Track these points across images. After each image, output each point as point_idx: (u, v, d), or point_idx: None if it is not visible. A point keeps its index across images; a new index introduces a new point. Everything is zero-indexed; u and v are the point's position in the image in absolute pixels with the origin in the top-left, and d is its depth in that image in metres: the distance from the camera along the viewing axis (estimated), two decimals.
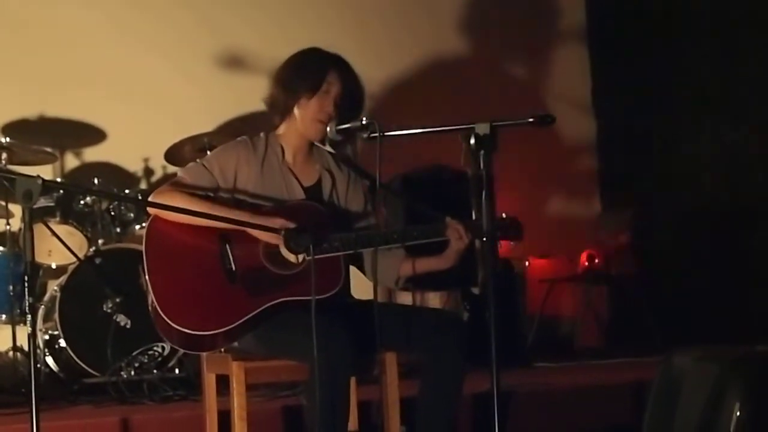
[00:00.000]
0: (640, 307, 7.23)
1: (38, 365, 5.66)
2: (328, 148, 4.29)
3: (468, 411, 4.83)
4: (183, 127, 6.20)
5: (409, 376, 4.33)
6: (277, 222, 3.92)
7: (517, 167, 7.02)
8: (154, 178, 6.83)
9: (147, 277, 3.98)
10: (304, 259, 4.01)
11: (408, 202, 6.00)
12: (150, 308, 4.00)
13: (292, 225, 3.89)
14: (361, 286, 4.31)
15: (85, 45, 6.80)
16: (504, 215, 4.22)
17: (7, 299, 5.79)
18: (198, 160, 4.19)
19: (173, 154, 6.19)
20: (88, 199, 6.11)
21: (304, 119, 4.16)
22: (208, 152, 5.77)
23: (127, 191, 6.24)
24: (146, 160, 6.83)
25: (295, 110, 4.17)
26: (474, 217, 4.22)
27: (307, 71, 4.16)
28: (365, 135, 3.97)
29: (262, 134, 4.23)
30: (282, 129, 4.23)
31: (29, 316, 3.60)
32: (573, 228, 7.79)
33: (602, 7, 8.20)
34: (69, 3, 6.83)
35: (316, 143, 4.26)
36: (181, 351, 5.48)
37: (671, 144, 7.74)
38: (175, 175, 4.20)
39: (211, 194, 4.10)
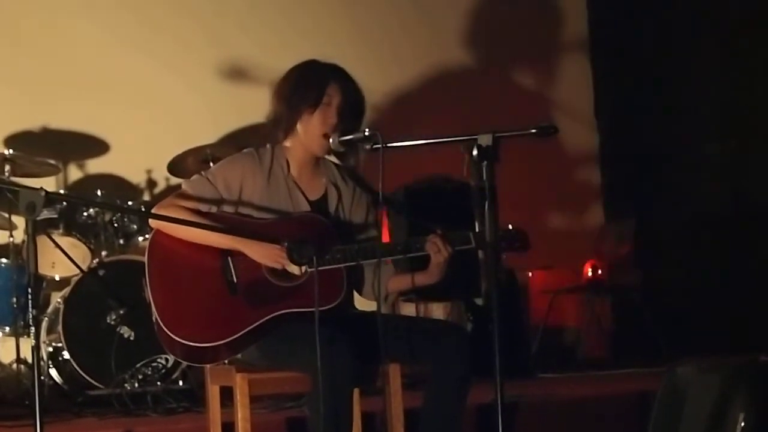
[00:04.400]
0: (643, 317, 7.23)
1: (42, 377, 5.67)
2: (333, 158, 4.29)
3: (472, 422, 4.82)
4: (186, 138, 6.21)
5: (412, 387, 4.33)
6: (279, 235, 3.92)
7: (519, 178, 7.02)
8: (157, 190, 6.83)
9: (149, 291, 3.99)
10: (306, 270, 4.01)
11: (409, 216, 6.01)
12: (153, 322, 4.01)
13: (291, 239, 3.89)
14: (364, 299, 4.31)
15: (88, 56, 6.82)
16: (510, 226, 4.21)
17: (10, 311, 5.80)
18: (202, 173, 4.19)
19: (176, 166, 6.20)
20: (91, 210, 6.12)
21: (308, 134, 4.15)
22: (211, 163, 5.78)
23: (130, 203, 6.25)
24: (149, 171, 6.84)
25: (299, 126, 4.17)
26: (477, 228, 4.21)
27: (306, 86, 4.15)
28: (368, 146, 3.97)
29: (268, 145, 4.23)
30: (288, 142, 4.22)
31: (33, 328, 3.61)
32: (576, 239, 7.78)
33: (605, 19, 8.21)
34: (72, 15, 6.84)
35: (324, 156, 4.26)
36: (185, 363, 5.49)
37: (673, 154, 7.75)
38: (178, 186, 4.21)
39: (215, 209, 4.09)
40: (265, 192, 4.14)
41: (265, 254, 4.00)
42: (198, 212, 4.07)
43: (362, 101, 4.19)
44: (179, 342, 3.96)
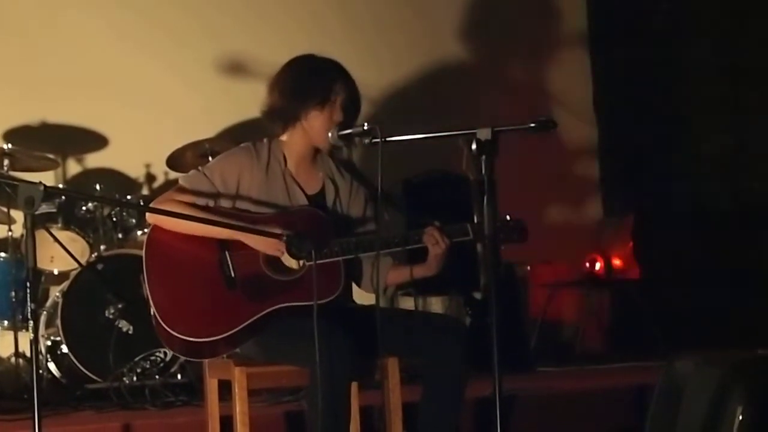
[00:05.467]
0: (641, 311, 7.23)
1: (40, 371, 5.66)
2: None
3: (470, 416, 4.84)
4: (185, 132, 6.20)
5: (411, 381, 4.34)
6: (277, 229, 3.92)
7: (518, 173, 7.02)
8: (155, 184, 6.83)
9: (147, 287, 3.99)
10: (304, 264, 4.02)
11: (407, 211, 6.01)
12: (152, 318, 4.02)
13: (290, 232, 3.90)
14: (363, 291, 4.31)
15: (87, 51, 6.81)
16: (508, 217, 4.21)
17: (9, 305, 5.80)
18: (199, 168, 4.19)
19: (175, 160, 6.19)
20: (90, 205, 6.11)
21: (316, 130, 4.15)
22: (210, 158, 5.79)
23: (128, 197, 6.25)
24: (148, 166, 6.83)
25: (303, 121, 4.17)
26: (476, 221, 4.21)
27: (314, 82, 4.15)
28: (367, 141, 3.97)
29: (265, 140, 4.23)
30: (285, 136, 4.23)
31: (31, 322, 3.61)
32: (575, 233, 7.78)
33: (603, 12, 8.20)
34: (71, 9, 6.83)
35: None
36: (184, 357, 5.50)
37: (672, 148, 7.74)
38: (177, 181, 4.21)
39: (212, 203, 4.10)
40: (263, 186, 4.14)
41: (264, 242, 4.00)
42: (195, 207, 4.07)
43: (360, 99, 4.22)
44: (177, 337, 3.96)
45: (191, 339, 3.97)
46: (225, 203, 4.12)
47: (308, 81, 4.17)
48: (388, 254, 4.21)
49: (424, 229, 4.14)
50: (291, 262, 4.03)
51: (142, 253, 4.07)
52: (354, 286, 4.30)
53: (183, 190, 4.11)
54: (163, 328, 3.97)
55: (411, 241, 4.15)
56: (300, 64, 4.24)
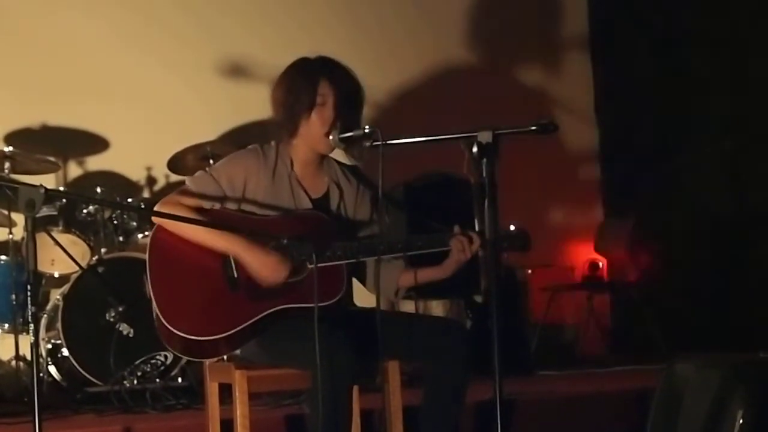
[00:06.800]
0: (642, 314, 7.23)
1: (41, 374, 5.68)
2: (340, 154, 4.28)
3: (471, 419, 4.83)
4: (186, 135, 6.20)
5: (412, 384, 4.33)
6: (280, 232, 3.92)
7: (519, 175, 7.02)
8: (156, 187, 6.83)
9: (149, 284, 3.99)
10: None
11: (410, 213, 6.01)
12: (153, 317, 4.01)
13: (289, 236, 3.90)
14: (364, 294, 4.31)
15: (88, 54, 6.82)
16: (512, 226, 4.21)
17: (9, 308, 5.79)
18: (207, 169, 4.18)
19: (176, 163, 6.19)
20: (90, 208, 6.11)
21: (311, 136, 4.13)
22: (211, 161, 5.78)
23: (129, 200, 6.25)
24: (149, 168, 6.84)
25: (301, 128, 4.16)
26: (477, 225, 4.20)
27: (298, 90, 4.12)
28: (368, 143, 3.96)
29: (273, 143, 4.22)
30: (292, 141, 4.22)
31: (32, 325, 3.60)
32: (576, 236, 7.79)
33: (605, 16, 8.21)
34: (72, 12, 6.84)
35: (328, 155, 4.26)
36: (184, 360, 5.50)
37: (673, 152, 7.75)
38: (178, 184, 4.21)
39: (217, 206, 4.10)
40: (269, 189, 4.14)
41: (262, 268, 3.99)
42: (201, 209, 4.07)
43: (357, 88, 4.16)
44: (178, 335, 3.96)
45: (191, 337, 3.96)
46: (231, 205, 4.11)
47: (293, 89, 4.14)
48: (401, 257, 4.21)
49: (452, 233, 4.13)
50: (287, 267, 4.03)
51: (146, 251, 4.07)
52: (355, 289, 4.30)
53: (189, 192, 4.10)
54: (164, 325, 3.96)
55: (436, 244, 4.14)
56: (287, 73, 4.22)
